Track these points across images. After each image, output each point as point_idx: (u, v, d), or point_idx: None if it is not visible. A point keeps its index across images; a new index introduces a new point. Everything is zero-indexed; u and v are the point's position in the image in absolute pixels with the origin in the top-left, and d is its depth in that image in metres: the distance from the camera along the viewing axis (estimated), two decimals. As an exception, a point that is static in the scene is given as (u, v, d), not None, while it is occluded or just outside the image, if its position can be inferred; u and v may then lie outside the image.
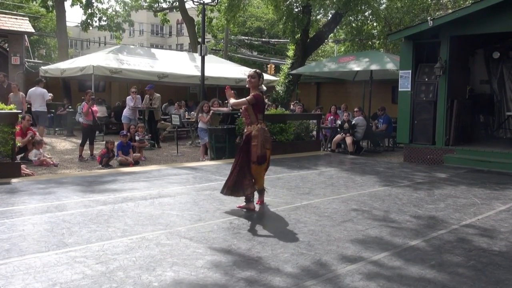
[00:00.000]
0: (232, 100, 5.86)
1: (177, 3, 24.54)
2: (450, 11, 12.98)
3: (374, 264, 4.04)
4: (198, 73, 15.89)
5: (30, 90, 12.86)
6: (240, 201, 6.00)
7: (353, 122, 12.51)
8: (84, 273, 3.63)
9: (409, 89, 11.16)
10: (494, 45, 12.10)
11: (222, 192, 5.88)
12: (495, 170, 9.66)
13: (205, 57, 14.96)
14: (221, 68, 18.63)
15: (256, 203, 5.99)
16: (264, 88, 5.84)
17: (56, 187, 6.88)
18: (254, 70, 5.97)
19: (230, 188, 5.75)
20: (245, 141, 5.75)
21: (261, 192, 6.07)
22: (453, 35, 10.65)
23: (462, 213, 6.00)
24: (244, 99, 5.76)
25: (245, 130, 5.89)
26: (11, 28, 17.99)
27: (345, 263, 4.03)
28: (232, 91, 6.05)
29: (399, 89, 11.41)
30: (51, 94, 14.25)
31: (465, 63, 12.17)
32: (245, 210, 5.83)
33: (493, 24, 10.01)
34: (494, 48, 12.11)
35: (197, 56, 16.73)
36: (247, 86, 5.89)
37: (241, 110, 5.94)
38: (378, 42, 20.36)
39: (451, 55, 10.68)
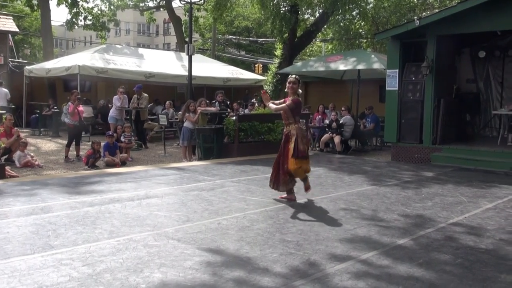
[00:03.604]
0: (273, 106, 6.40)
1: (164, 2, 24.37)
2: (436, 10, 13.02)
3: (362, 263, 4.04)
4: (185, 72, 15.79)
5: None
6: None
7: (341, 122, 12.52)
8: (71, 276, 3.58)
9: (397, 88, 11.18)
10: (481, 45, 12.19)
11: (270, 185, 6.48)
12: (481, 168, 9.71)
13: (193, 56, 14.90)
14: (208, 68, 18.56)
15: (306, 191, 6.46)
16: (300, 91, 6.39)
17: (42, 189, 6.79)
18: (294, 76, 6.42)
19: (275, 183, 6.38)
20: (285, 140, 6.32)
21: (305, 180, 6.47)
22: (440, 34, 10.70)
23: (450, 211, 6.02)
24: (284, 105, 6.30)
25: (284, 130, 6.46)
26: (-6, 27, 17.70)
27: (334, 262, 4.03)
28: (268, 95, 6.58)
29: (387, 88, 11.43)
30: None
31: (451, 62, 12.24)
32: (286, 200, 6.31)
33: (479, 23, 10.07)
34: (480, 47, 12.21)
35: (184, 56, 16.64)
36: (285, 90, 6.46)
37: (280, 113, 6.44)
38: (365, 41, 20.42)
39: (438, 54, 10.72)
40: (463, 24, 10.24)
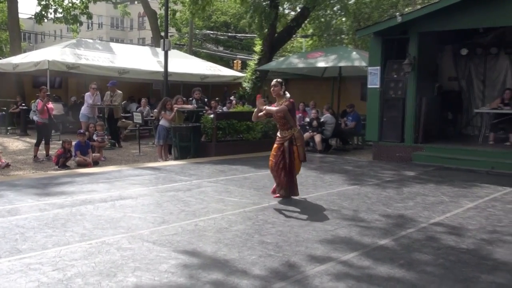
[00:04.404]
0: (273, 108, 6.35)
1: (139, -5, 23.80)
2: (419, 7, 12.97)
3: (343, 264, 4.04)
4: (161, 68, 15.56)
5: None
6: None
7: (321, 120, 12.47)
8: (40, 281, 3.51)
9: (378, 86, 11.12)
10: (463, 42, 12.21)
11: (284, 194, 6.40)
12: (463, 167, 9.74)
13: (169, 52, 14.69)
14: (185, 64, 18.32)
15: (276, 196, 6.52)
16: (288, 94, 6.44)
17: (8, 190, 6.63)
18: (275, 79, 6.49)
19: (288, 189, 6.38)
20: (290, 144, 6.30)
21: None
22: (422, 31, 10.68)
23: (431, 211, 6.05)
24: (283, 106, 6.24)
25: (283, 135, 6.37)
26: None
27: (314, 264, 4.02)
28: (263, 99, 6.67)
29: (368, 86, 11.37)
30: None
31: (433, 60, 12.26)
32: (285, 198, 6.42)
33: (461, 20, 10.09)
34: (462, 44, 12.21)
35: (160, 51, 16.39)
36: (273, 95, 6.50)
37: (274, 116, 6.42)
38: (347, 37, 20.37)
39: (420, 52, 10.70)
40: (445, 21, 10.25)
